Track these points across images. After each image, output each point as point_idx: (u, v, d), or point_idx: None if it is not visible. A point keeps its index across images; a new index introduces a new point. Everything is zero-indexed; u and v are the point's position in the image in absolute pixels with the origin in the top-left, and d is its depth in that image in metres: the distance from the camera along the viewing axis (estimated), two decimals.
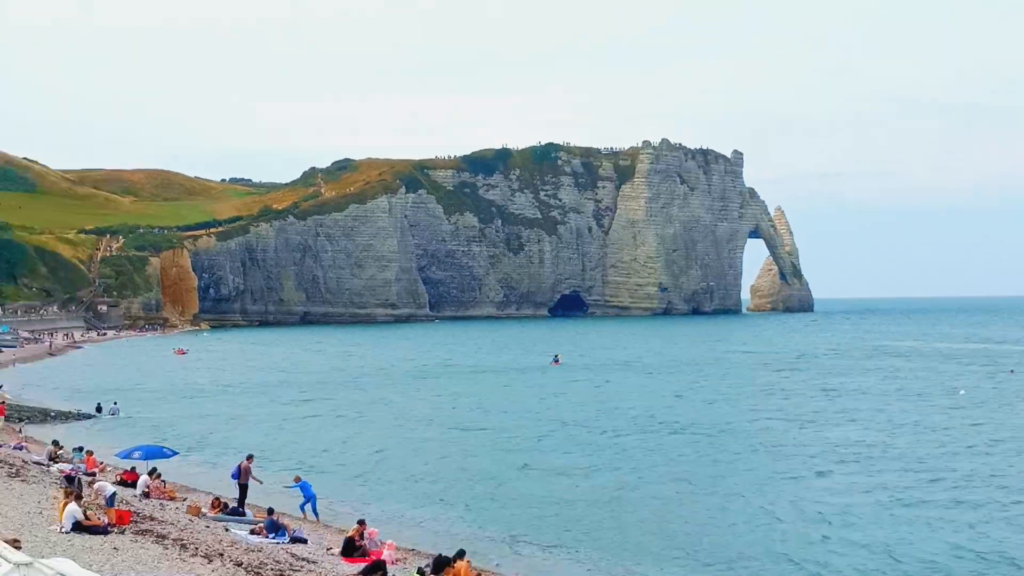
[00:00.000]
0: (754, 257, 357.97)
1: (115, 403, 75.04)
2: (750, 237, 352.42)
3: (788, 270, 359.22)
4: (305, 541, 33.17)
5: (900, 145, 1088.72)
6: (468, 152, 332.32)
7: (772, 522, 40.37)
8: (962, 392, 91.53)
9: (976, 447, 58.43)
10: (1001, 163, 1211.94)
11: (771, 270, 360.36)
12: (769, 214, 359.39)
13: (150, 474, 41.59)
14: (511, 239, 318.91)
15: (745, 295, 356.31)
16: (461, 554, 27.68)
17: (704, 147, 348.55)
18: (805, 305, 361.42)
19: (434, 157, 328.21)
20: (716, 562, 34.13)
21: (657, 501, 45.16)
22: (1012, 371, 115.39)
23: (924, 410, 78.21)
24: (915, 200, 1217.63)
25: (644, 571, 33.31)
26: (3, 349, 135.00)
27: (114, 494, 35.06)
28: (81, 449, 47.86)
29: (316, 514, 39.38)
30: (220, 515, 36.62)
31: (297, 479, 41.00)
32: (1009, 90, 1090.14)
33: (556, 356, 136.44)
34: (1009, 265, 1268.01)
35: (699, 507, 43.56)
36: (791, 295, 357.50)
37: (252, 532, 33.62)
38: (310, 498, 39.65)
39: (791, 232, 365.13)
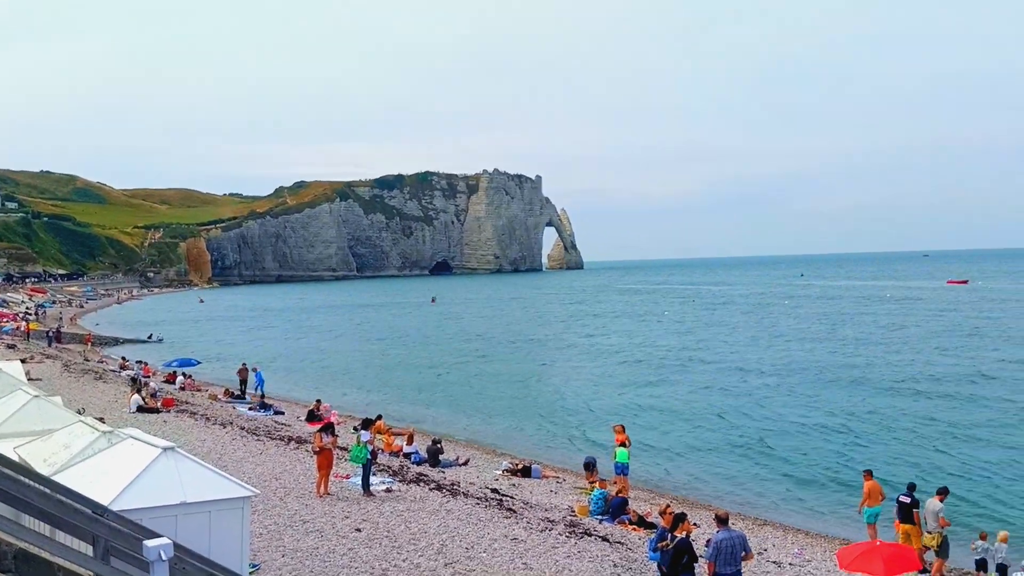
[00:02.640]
0: (548, 238, 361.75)
1: (160, 335, 72.59)
2: (546, 226, 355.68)
3: (569, 245, 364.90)
4: (283, 413, 33.03)
5: (629, 173, 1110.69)
6: (378, 176, 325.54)
7: (541, 382, 41.94)
8: (666, 313, 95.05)
9: (659, 343, 61.11)
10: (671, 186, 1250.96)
11: (559, 244, 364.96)
12: (558, 212, 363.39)
13: (184, 376, 40.70)
14: (405, 229, 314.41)
15: (544, 260, 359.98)
16: (379, 417, 28.11)
17: (520, 173, 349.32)
18: (579, 265, 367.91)
19: (357, 180, 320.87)
20: (527, 408, 35.33)
21: (484, 374, 46.33)
22: (693, 300, 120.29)
23: (638, 324, 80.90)
24: (641, 202, 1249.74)
25: (478, 417, 34.31)
26: (88, 301, 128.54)
27: (159, 390, 34.33)
28: (140, 361, 46.46)
29: (263, 393, 36.79)
30: (229, 399, 36.16)
31: (255, 369, 39.23)
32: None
33: (433, 297, 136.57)
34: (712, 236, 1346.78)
35: (503, 374, 44.85)
36: (571, 259, 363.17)
37: (250, 409, 33.33)
38: (260, 382, 37.50)
39: (570, 222, 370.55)
